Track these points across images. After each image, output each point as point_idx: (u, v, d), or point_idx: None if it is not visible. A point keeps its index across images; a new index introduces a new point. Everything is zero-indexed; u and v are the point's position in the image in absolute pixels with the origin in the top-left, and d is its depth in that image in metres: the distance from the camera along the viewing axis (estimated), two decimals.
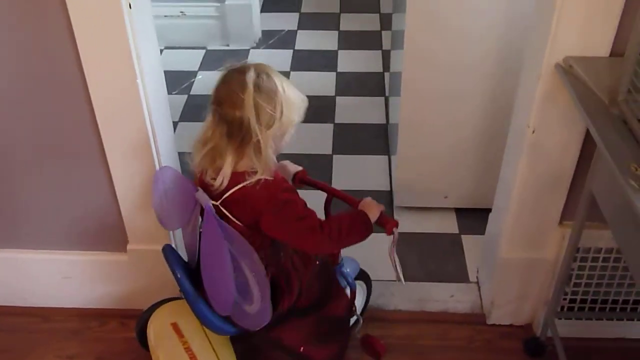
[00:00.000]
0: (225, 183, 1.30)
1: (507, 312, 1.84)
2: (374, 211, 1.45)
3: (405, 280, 1.56)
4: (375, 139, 2.67)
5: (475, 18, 1.84)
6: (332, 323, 1.58)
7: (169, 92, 2.93)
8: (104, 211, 1.72)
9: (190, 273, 1.45)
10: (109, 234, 1.78)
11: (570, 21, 1.33)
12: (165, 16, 3.31)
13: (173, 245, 1.58)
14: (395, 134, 2.20)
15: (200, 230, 1.37)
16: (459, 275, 2.03)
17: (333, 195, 1.54)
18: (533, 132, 1.48)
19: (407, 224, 2.22)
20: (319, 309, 1.53)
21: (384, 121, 2.79)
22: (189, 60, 3.27)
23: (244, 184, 1.29)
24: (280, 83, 1.29)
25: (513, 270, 1.75)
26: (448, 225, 2.22)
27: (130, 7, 1.35)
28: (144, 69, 1.46)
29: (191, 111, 2.87)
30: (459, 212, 2.26)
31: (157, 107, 1.56)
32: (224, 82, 1.29)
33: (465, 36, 1.88)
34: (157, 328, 1.55)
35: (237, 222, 1.34)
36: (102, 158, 1.60)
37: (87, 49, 1.41)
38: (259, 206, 1.31)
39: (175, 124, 2.71)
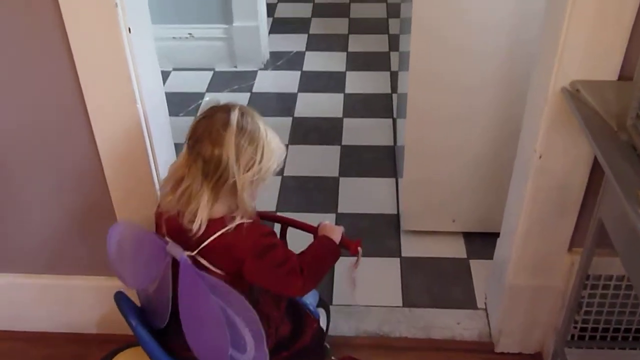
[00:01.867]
0: (203, 229, 1.23)
1: (516, 340, 1.80)
2: (336, 234, 1.43)
3: (355, 301, 1.55)
4: (383, 162, 2.65)
5: (482, 39, 1.81)
6: (304, 353, 1.51)
7: (176, 114, 2.97)
8: (102, 236, 1.69)
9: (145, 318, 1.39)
10: (106, 259, 1.75)
11: (577, 44, 1.30)
12: (174, 38, 3.32)
13: None
14: (402, 157, 2.17)
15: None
16: (467, 301, 1.99)
17: (288, 225, 1.51)
18: (540, 157, 1.45)
19: (414, 248, 2.19)
20: (292, 344, 1.47)
21: (391, 143, 2.76)
22: (197, 81, 3.28)
23: (223, 230, 1.24)
24: (264, 128, 1.26)
25: (521, 297, 1.71)
26: (456, 249, 2.18)
27: (130, 31, 1.34)
28: (144, 93, 1.44)
29: None
30: (467, 236, 2.22)
31: (157, 131, 1.55)
32: (205, 118, 1.24)
33: (472, 58, 1.85)
34: None
35: (217, 271, 1.28)
36: (102, 180, 1.58)
37: (87, 74, 1.40)
38: (241, 254, 1.26)
39: (181, 146, 2.69)
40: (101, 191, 1.61)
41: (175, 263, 1.28)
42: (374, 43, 3.65)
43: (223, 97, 3.08)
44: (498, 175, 2.02)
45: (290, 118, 2.94)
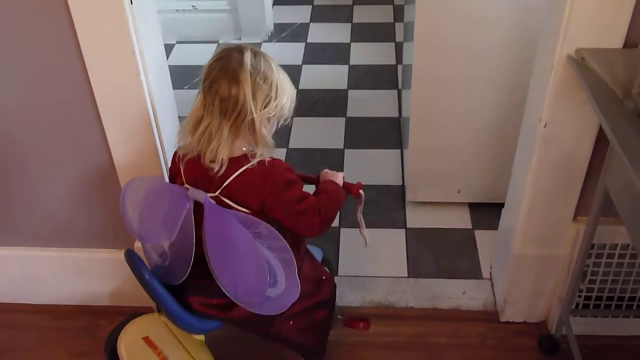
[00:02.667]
0: (225, 165, 1.27)
1: (521, 309, 1.81)
2: (338, 179, 1.49)
3: (367, 243, 1.57)
4: (388, 133, 2.64)
5: (489, 7, 1.79)
6: (320, 306, 1.55)
7: (181, 87, 2.96)
8: (111, 209, 1.71)
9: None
10: (117, 232, 1.77)
11: (583, 11, 1.28)
12: (177, 10, 3.30)
13: None
14: (407, 128, 2.16)
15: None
16: (472, 271, 2.00)
17: None
18: (545, 125, 1.44)
19: (419, 219, 2.20)
20: (312, 296, 1.50)
21: (397, 114, 2.75)
22: (201, 54, 3.24)
23: (247, 166, 1.28)
24: (276, 67, 1.30)
25: (526, 266, 1.71)
26: (461, 220, 2.18)
27: (131, 2, 1.33)
28: (147, 66, 1.44)
29: None
30: (473, 206, 2.22)
31: (161, 103, 1.55)
32: (219, 59, 1.27)
33: (477, 25, 1.82)
34: (129, 344, 1.48)
35: (241, 209, 1.30)
36: (107, 154, 1.59)
37: (90, 47, 1.39)
38: (265, 187, 1.29)
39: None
40: (106, 164, 1.62)
41: (196, 212, 1.30)
42: (378, 14, 3.61)
43: None
44: (503, 145, 2.01)
45: (295, 90, 2.93)
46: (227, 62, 1.25)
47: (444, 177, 2.16)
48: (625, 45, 1.31)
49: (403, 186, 2.32)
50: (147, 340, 1.47)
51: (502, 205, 1.86)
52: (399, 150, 2.52)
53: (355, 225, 1.58)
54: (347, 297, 1.91)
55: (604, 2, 1.26)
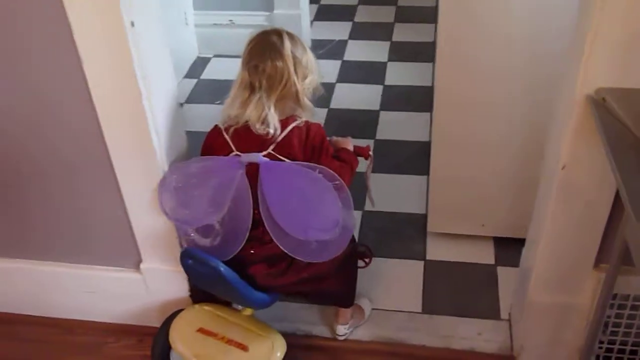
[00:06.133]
0: (279, 130, 1.45)
1: (539, 356, 1.70)
2: (348, 144, 1.67)
3: (374, 204, 1.85)
4: (417, 158, 2.54)
5: (513, 26, 1.67)
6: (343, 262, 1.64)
7: (211, 102, 2.94)
8: (118, 229, 1.70)
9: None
10: (124, 253, 1.76)
11: (605, 48, 1.19)
12: (214, 24, 3.30)
13: None
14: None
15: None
16: (490, 310, 1.89)
17: None
18: (563, 167, 1.35)
19: (440, 251, 2.11)
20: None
21: (428, 139, 2.66)
22: (237, 69, 3.22)
23: (295, 124, 1.48)
24: (307, 47, 1.51)
25: (544, 313, 1.61)
26: (484, 255, 2.08)
27: (133, 25, 1.31)
28: (151, 89, 1.42)
29: None
30: (497, 241, 2.11)
31: (167, 126, 1.52)
32: (262, 40, 1.48)
33: (508, 39, 1.70)
34: (186, 341, 1.57)
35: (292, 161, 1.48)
36: (112, 176, 1.58)
37: (92, 69, 1.38)
38: (311, 141, 1.49)
39: (202, 134, 2.68)
40: (114, 189, 1.61)
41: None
42: (419, 33, 3.51)
43: None
44: (531, 178, 1.88)
45: (326, 109, 2.88)
46: (268, 44, 1.46)
47: (467, 208, 2.06)
48: None
49: (426, 215, 2.23)
50: (202, 331, 1.58)
51: None
52: (425, 177, 2.43)
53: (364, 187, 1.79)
54: (356, 331, 1.84)
55: (628, 38, 1.17)
